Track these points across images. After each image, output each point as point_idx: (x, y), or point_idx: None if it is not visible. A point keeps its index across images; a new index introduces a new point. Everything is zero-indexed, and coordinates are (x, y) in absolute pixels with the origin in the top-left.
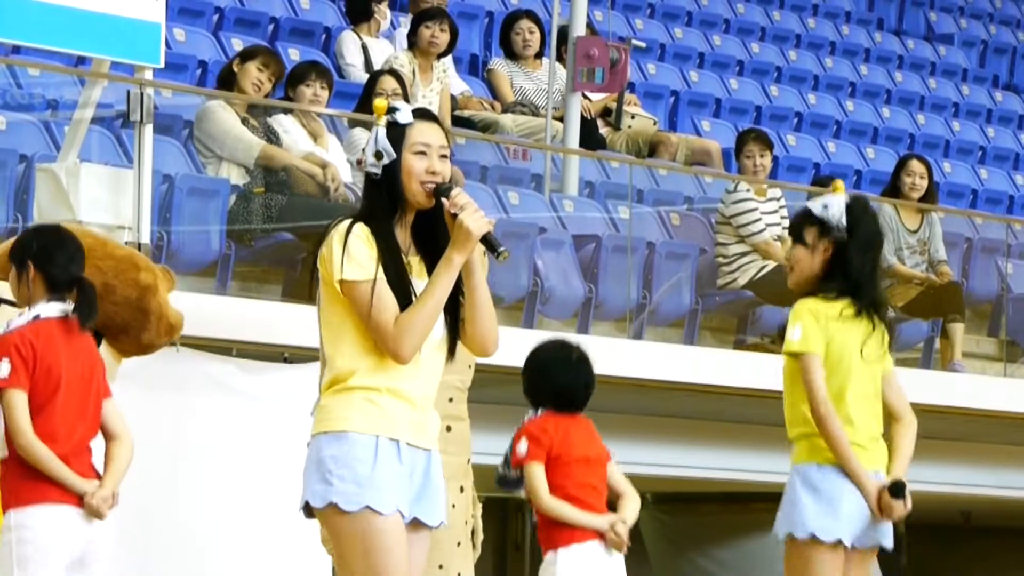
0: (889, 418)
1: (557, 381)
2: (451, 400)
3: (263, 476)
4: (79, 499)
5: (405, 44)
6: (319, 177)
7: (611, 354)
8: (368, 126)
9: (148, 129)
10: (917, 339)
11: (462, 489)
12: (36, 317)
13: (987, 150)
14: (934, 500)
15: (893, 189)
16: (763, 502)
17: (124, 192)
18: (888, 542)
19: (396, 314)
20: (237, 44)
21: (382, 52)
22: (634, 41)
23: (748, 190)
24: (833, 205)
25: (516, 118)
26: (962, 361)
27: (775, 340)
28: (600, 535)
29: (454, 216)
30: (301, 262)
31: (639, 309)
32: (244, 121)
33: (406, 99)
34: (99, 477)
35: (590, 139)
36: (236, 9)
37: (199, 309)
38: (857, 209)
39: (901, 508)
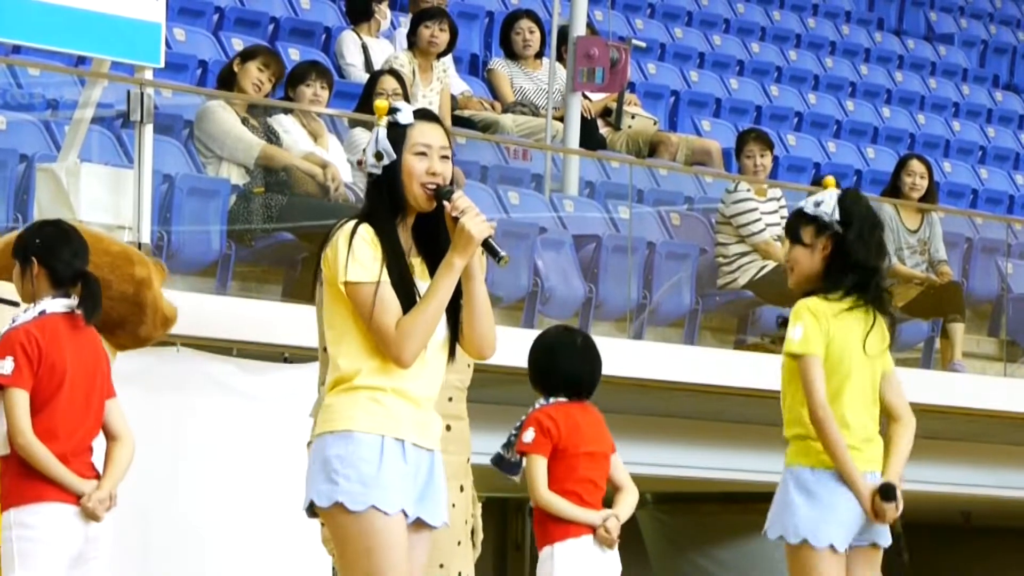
0: (888, 418)
1: (566, 367)
2: (451, 399)
3: (263, 476)
4: (78, 498)
5: (405, 44)
6: (319, 177)
7: (611, 354)
8: (368, 126)
9: (148, 129)
10: (917, 339)
11: (462, 488)
12: (42, 313)
13: (987, 150)
14: (934, 500)
15: (893, 189)
16: (763, 502)
17: (124, 192)
18: (884, 540)
19: (399, 317)
20: (237, 44)
21: (382, 52)
22: (634, 41)
23: (748, 190)
24: (825, 201)
25: (516, 118)
26: (962, 361)
27: (775, 340)
28: (594, 530)
29: (455, 220)
30: (301, 262)
31: (639, 309)
32: (244, 121)
33: (406, 99)
34: (98, 477)
35: (590, 139)
36: (236, 9)
37: (199, 309)
38: (849, 200)
39: (892, 511)
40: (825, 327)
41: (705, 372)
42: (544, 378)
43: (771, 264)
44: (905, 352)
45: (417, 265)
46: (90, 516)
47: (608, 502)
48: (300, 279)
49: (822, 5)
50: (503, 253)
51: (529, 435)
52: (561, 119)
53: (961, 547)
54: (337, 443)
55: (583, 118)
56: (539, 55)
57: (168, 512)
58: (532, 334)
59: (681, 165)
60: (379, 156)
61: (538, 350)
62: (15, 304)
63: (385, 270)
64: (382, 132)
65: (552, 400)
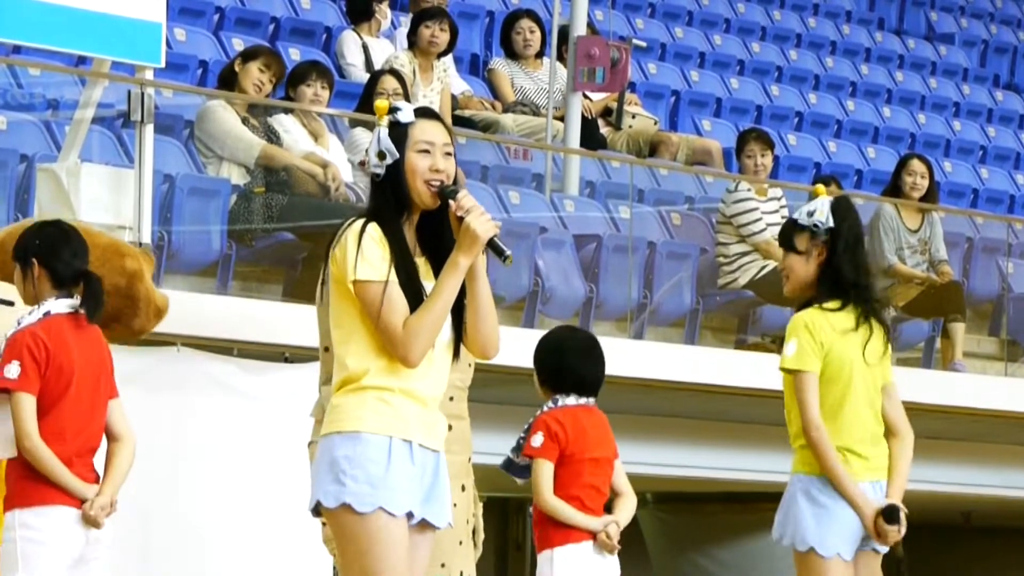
0: (887, 433)
1: (575, 366)
2: (452, 399)
3: (263, 476)
4: (81, 501)
5: (405, 44)
6: (320, 177)
7: (612, 354)
8: (369, 126)
9: (149, 129)
10: (918, 339)
11: (463, 488)
12: (46, 314)
13: (988, 150)
14: (934, 500)
15: (894, 189)
16: (764, 502)
17: (125, 192)
18: (882, 548)
19: (406, 316)
20: (238, 44)
21: (383, 52)
22: (635, 41)
23: (749, 190)
24: (818, 209)
25: (517, 118)
26: (963, 361)
27: (775, 340)
28: (594, 536)
29: (460, 219)
30: (302, 262)
31: (640, 309)
32: (245, 121)
33: (407, 99)
34: (99, 479)
35: (591, 139)
36: (237, 9)
37: (200, 309)
38: (842, 209)
39: (895, 533)
40: (820, 340)
41: (706, 372)
42: (553, 378)
43: (772, 264)
44: (906, 352)
45: (422, 265)
46: (91, 523)
47: (607, 506)
48: (301, 279)
49: (823, 5)
50: (508, 252)
51: (537, 439)
52: (562, 119)
53: (961, 547)
54: (345, 443)
55: (584, 118)
56: (540, 55)
57: (168, 512)
58: (533, 334)
59: (682, 165)
60: (382, 156)
61: (545, 350)
62: (10, 304)
63: (393, 270)
64: (384, 132)
65: (560, 402)
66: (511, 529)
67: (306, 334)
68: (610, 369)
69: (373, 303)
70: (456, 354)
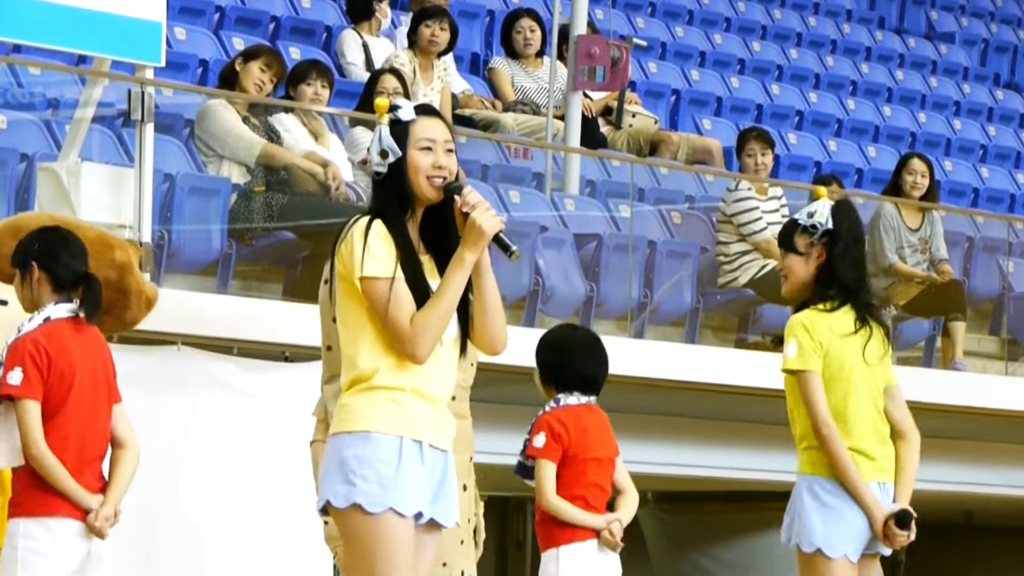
0: (892, 435)
1: (578, 364)
2: (454, 398)
3: (264, 475)
4: (84, 513)
5: (406, 43)
6: (320, 176)
7: (612, 353)
8: (369, 125)
9: (149, 128)
10: (918, 338)
11: (465, 487)
12: (47, 320)
13: (988, 149)
14: (935, 499)
15: (894, 188)
16: (764, 501)
17: (125, 191)
18: (885, 550)
19: (413, 313)
20: (238, 43)
21: (383, 51)
22: (635, 40)
23: (749, 189)
24: (818, 211)
25: (517, 117)
26: (963, 360)
27: (776, 339)
28: (598, 534)
29: (465, 215)
30: (302, 261)
31: (640, 308)
32: (245, 120)
33: (407, 98)
34: (105, 487)
35: (591, 138)
36: (237, 8)
37: (200, 308)
38: (843, 211)
39: (905, 539)
40: (819, 339)
41: (706, 371)
42: (556, 376)
43: (772, 263)
44: (906, 351)
45: (426, 263)
46: (95, 533)
47: (609, 504)
48: (301, 278)
49: (823, 4)
50: (514, 247)
51: (540, 440)
52: (562, 118)
53: (962, 546)
54: (355, 443)
55: (584, 117)
56: (540, 54)
57: (169, 511)
58: (533, 333)
59: (682, 164)
60: (384, 154)
61: (548, 348)
62: (3, 303)
63: (399, 268)
64: (385, 130)
65: (562, 402)
66: (511, 528)
67: (306, 333)
68: (610, 368)
69: (380, 300)
70: (463, 350)
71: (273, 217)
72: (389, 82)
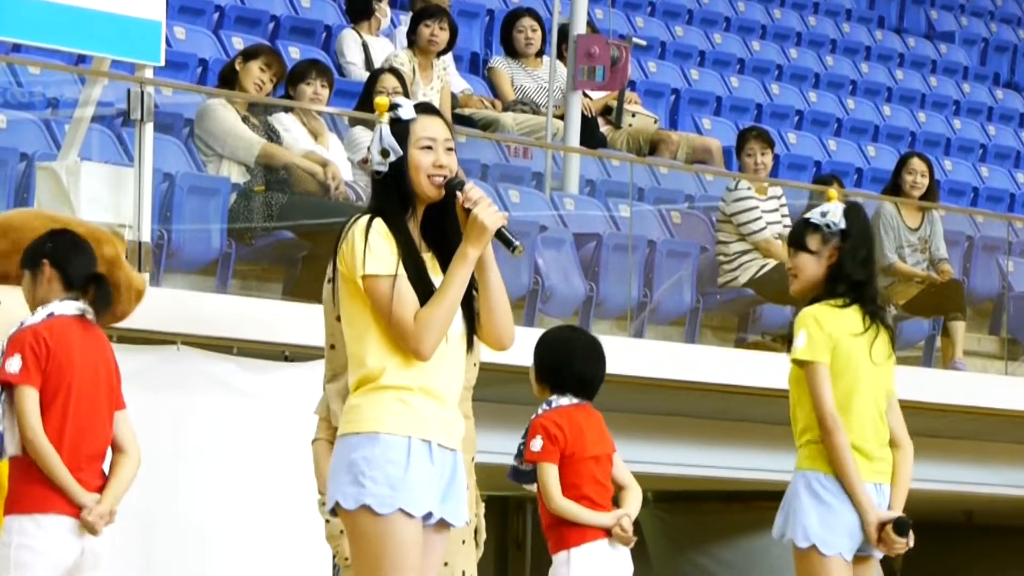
0: (889, 442)
1: (576, 366)
2: None
3: (264, 475)
4: (78, 510)
5: (405, 42)
6: (320, 175)
7: (612, 352)
8: (369, 125)
9: (149, 127)
10: (918, 337)
11: (467, 487)
12: (50, 315)
13: (988, 148)
14: (935, 498)
15: (894, 187)
16: (764, 501)
17: (125, 191)
18: (878, 554)
19: (416, 310)
20: (238, 42)
21: (382, 50)
22: (635, 39)
23: (749, 188)
24: (831, 211)
25: (517, 116)
26: (963, 359)
27: (776, 339)
28: (607, 532)
29: (467, 211)
30: (302, 260)
31: (640, 307)
32: (245, 119)
33: (407, 97)
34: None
35: (591, 137)
36: (237, 7)
37: (199, 307)
38: (854, 213)
39: (903, 546)
40: (829, 331)
41: (706, 371)
42: (554, 377)
43: (772, 262)
44: (906, 350)
45: (429, 260)
46: (89, 529)
47: (613, 501)
48: (300, 277)
49: (822, 3)
50: (517, 243)
51: (537, 444)
52: (561, 117)
53: (962, 546)
54: (364, 444)
55: (584, 116)
56: (540, 53)
57: (169, 511)
58: (533, 332)
59: (682, 163)
60: (385, 153)
61: (547, 349)
62: None
63: (401, 265)
64: (386, 129)
65: (555, 403)
66: (511, 528)
67: (306, 333)
68: (610, 368)
69: (383, 297)
70: (470, 346)
71: (273, 217)
72: (388, 81)
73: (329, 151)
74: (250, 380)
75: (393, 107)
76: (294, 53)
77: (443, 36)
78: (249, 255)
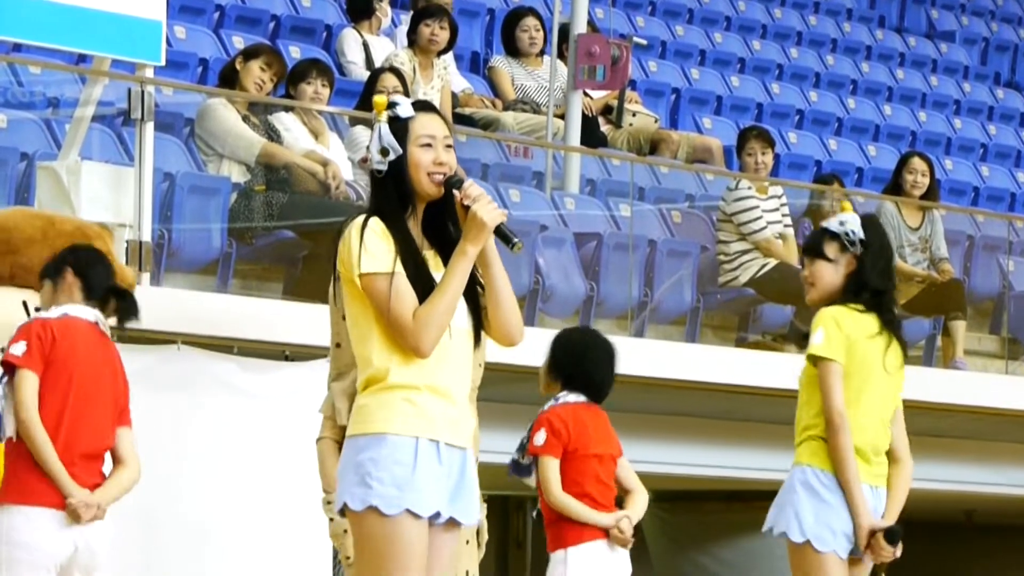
0: (888, 454)
1: (592, 369)
2: None
3: (264, 474)
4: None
5: (405, 42)
6: (320, 175)
7: None
8: (370, 124)
9: (149, 127)
10: (919, 337)
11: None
12: (65, 314)
13: (988, 147)
14: (936, 498)
15: (895, 187)
16: (765, 500)
17: (125, 190)
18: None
19: (415, 308)
20: (238, 42)
21: (383, 50)
22: (635, 38)
23: (749, 187)
24: (848, 221)
25: (517, 116)
26: (964, 359)
27: (776, 338)
28: (606, 532)
29: (466, 208)
30: (302, 260)
31: (640, 307)
32: (245, 119)
33: (407, 97)
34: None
35: (591, 137)
36: (237, 7)
37: (200, 307)
38: (872, 224)
39: (890, 554)
40: (847, 332)
41: (706, 370)
42: (566, 375)
43: (772, 262)
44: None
45: (431, 258)
46: (72, 516)
47: (618, 504)
48: (301, 277)
49: (823, 3)
50: (516, 239)
51: (540, 437)
52: (562, 117)
53: (963, 545)
54: (371, 445)
55: (584, 116)
56: (540, 52)
57: (169, 510)
58: (533, 332)
59: (682, 163)
60: (385, 152)
61: (564, 348)
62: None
63: (400, 264)
64: (384, 128)
65: (562, 400)
66: (511, 527)
67: (307, 332)
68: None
69: (381, 295)
70: (477, 341)
71: (273, 216)
72: (389, 81)
73: (330, 150)
74: (251, 380)
75: (391, 105)
76: (295, 52)
77: (443, 35)
78: (250, 255)
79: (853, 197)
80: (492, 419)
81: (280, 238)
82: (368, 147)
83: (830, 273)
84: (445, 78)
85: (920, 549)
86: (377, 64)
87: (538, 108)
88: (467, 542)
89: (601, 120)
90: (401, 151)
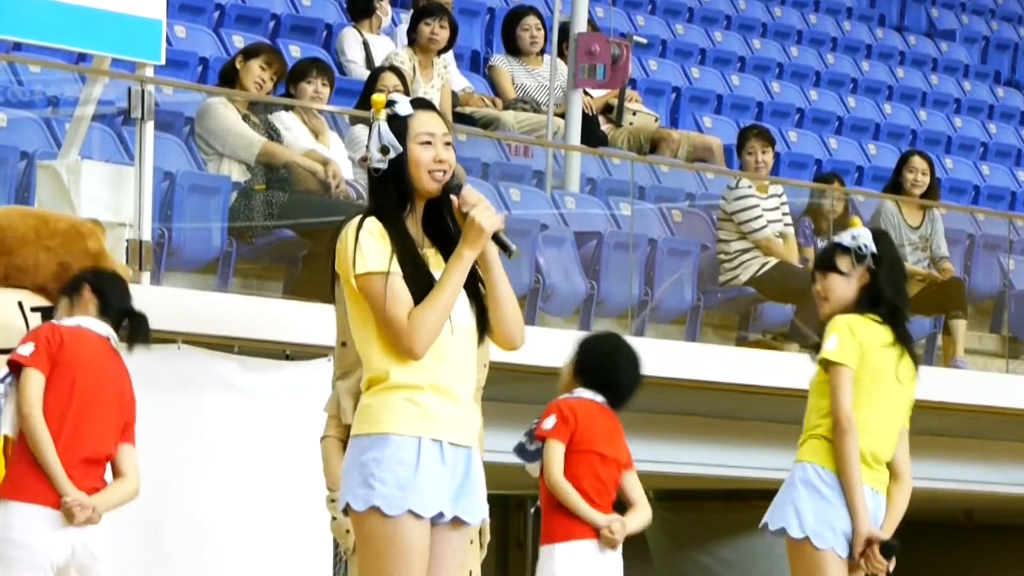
0: (889, 472)
1: (615, 372)
2: None
3: (265, 473)
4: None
5: (406, 40)
6: (320, 174)
7: None
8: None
9: (149, 126)
10: (919, 335)
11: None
12: (78, 325)
13: (989, 146)
14: (935, 497)
15: (895, 185)
16: (766, 499)
17: (125, 189)
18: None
19: (410, 308)
20: (238, 41)
21: (383, 49)
22: (635, 37)
23: (750, 186)
24: (860, 235)
25: (517, 114)
26: (964, 358)
27: (777, 337)
28: (596, 533)
29: (464, 214)
30: (302, 259)
31: (641, 306)
32: (245, 118)
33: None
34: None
35: (592, 136)
36: (237, 6)
37: (200, 306)
38: (883, 237)
39: (882, 568)
40: (860, 340)
41: (707, 369)
42: (590, 377)
43: (773, 260)
44: None
45: (432, 256)
46: (66, 515)
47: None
48: (301, 276)
49: (823, 1)
50: (513, 246)
51: (549, 421)
52: (562, 115)
53: (962, 545)
54: (373, 446)
55: (584, 115)
56: (540, 51)
57: (170, 510)
58: (533, 332)
59: (682, 161)
60: (385, 150)
61: (591, 351)
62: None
63: (397, 264)
64: (384, 126)
65: (578, 394)
66: (512, 527)
67: (307, 331)
68: None
69: (377, 295)
70: (481, 338)
71: (273, 215)
72: (389, 80)
73: (330, 149)
74: (251, 379)
75: (390, 104)
76: (295, 51)
77: (443, 34)
78: (250, 254)
79: (853, 196)
80: (494, 419)
81: (280, 237)
82: (368, 146)
83: (843, 287)
84: (445, 77)
85: (920, 549)
86: (377, 63)
87: (538, 107)
88: (471, 542)
89: (601, 119)
90: (401, 149)
